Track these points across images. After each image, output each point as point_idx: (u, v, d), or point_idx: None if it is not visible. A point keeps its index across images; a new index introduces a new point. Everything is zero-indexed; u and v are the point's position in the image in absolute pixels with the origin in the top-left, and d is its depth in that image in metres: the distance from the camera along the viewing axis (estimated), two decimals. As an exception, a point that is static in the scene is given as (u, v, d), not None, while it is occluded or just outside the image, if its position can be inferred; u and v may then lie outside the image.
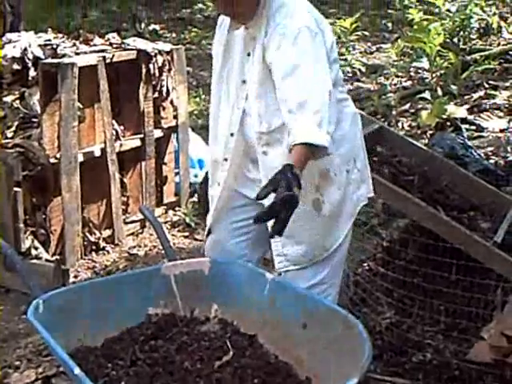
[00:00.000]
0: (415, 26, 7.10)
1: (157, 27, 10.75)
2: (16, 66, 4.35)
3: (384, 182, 3.04)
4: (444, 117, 5.72)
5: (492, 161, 4.84)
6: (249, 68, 2.34)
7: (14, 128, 4.14)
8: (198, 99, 7.12)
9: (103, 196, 4.34)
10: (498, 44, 7.82)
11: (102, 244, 4.29)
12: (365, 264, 3.51)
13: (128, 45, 4.50)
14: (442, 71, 6.89)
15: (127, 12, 11.43)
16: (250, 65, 2.33)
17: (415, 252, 3.13)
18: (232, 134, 2.42)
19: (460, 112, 5.91)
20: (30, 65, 4.32)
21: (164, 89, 4.67)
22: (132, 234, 4.51)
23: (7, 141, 3.97)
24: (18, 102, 4.30)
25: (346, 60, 7.93)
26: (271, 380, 1.95)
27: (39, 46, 4.39)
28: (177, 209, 4.84)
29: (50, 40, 4.47)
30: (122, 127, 4.47)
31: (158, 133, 4.68)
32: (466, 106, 6.24)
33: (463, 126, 5.64)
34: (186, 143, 4.89)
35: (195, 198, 4.90)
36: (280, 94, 2.20)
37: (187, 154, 4.91)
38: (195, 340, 2.11)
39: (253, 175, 2.44)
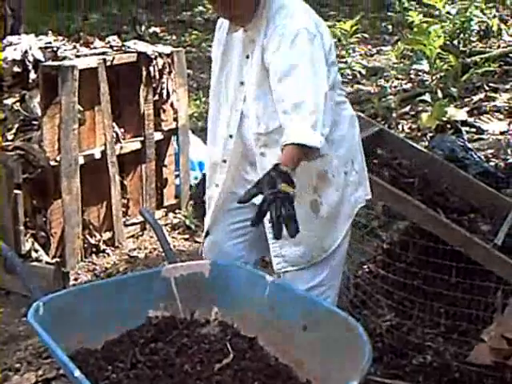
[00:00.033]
0: (415, 29, 7.11)
1: (157, 30, 10.76)
2: (16, 69, 4.35)
3: (384, 184, 3.04)
4: (444, 119, 5.72)
5: (492, 163, 4.84)
6: (247, 70, 2.35)
7: (14, 130, 4.14)
8: (198, 102, 7.13)
9: (103, 198, 4.34)
10: (498, 46, 7.84)
11: (103, 246, 4.29)
12: (365, 266, 3.51)
13: (128, 47, 4.51)
14: (442, 73, 6.90)
15: (127, 15, 11.45)
16: (249, 67, 2.34)
17: (415, 254, 3.13)
18: (231, 136, 2.43)
19: (460, 114, 5.91)
20: (30, 67, 4.32)
21: (164, 91, 4.67)
22: (132, 236, 4.51)
23: (7, 143, 3.97)
24: (18, 104, 4.31)
25: (346, 62, 7.94)
26: (271, 382, 1.96)
27: (40, 48, 4.40)
28: (177, 211, 4.84)
29: (50, 43, 4.48)
30: (122, 130, 4.48)
31: (158, 135, 4.68)
32: (466, 109, 6.25)
33: (463, 129, 5.65)
34: (187, 146, 4.89)
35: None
36: (276, 95, 2.22)
37: (187, 156, 4.91)
38: (195, 342, 2.11)
39: (250, 177, 2.44)
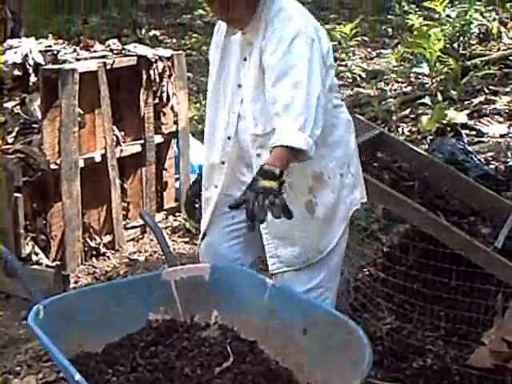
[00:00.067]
0: (415, 32, 7.11)
1: (157, 33, 10.77)
2: (17, 72, 4.35)
3: (384, 187, 3.04)
4: (444, 122, 5.72)
5: (492, 166, 4.83)
6: (245, 73, 2.37)
7: (14, 134, 4.14)
8: (198, 105, 7.13)
9: (103, 202, 4.34)
10: (498, 49, 7.84)
11: (103, 250, 4.29)
12: (365, 269, 3.51)
13: (128, 51, 4.51)
14: (442, 76, 6.90)
15: (127, 18, 11.46)
16: (246, 69, 2.36)
17: (415, 257, 3.13)
18: (229, 138, 2.44)
19: (460, 117, 5.91)
20: (30, 71, 4.33)
21: (164, 95, 4.68)
22: (132, 239, 4.51)
23: (8, 146, 3.97)
24: (18, 107, 4.31)
25: (346, 66, 7.95)
26: (272, 386, 1.96)
27: (40, 51, 4.40)
28: (177, 214, 4.84)
29: (50, 46, 4.49)
30: (122, 133, 4.48)
31: (158, 138, 4.68)
32: (466, 112, 6.24)
33: (463, 132, 5.64)
34: (187, 149, 4.90)
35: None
36: (270, 97, 2.24)
37: (188, 159, 4.91)
38: (195, 346, 2.11)
39: (246, 179, 2.44)
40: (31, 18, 8.64)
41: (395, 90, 7.30)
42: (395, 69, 7.85)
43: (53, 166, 3.95)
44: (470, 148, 4.57)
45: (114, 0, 12.41)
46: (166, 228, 4.64)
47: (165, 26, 11.51)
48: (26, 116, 4.24)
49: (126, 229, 4.49)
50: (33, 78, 4.32)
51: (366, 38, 9.15)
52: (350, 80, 7.77)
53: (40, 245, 3.94)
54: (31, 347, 3.30)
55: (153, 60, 4.52)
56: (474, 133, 5.83)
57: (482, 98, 6.58)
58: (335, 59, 8.02)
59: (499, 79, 7.08)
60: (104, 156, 4.23)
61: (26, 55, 4.35)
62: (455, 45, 7.69)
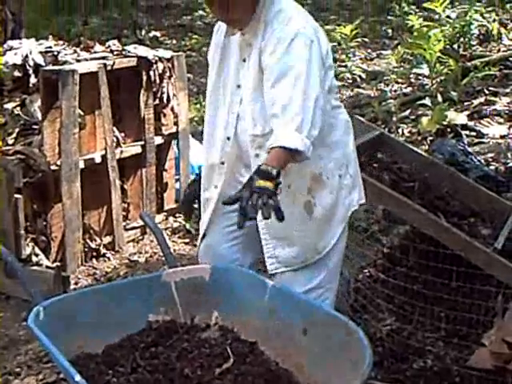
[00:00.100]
0: (415, 33, 7.11)
1: (157, 34, 10.78)
2: (17, 73, 4.35)
3: (385, 188, 3.04)
4: (444, 123, 5.72)
5: (492, 167, 4.84)
6: (244, 74, 2.37)
7: (14, 135, 4.14)
8: (198, 106, 7.13)
9: (104, 203, 4.34)
10: (498, 50, 7.84)
11: (103, 251, 4.29)
12: (365, 270, 3.51)
13: (129, 52, 4.51)
14: (442, 77, 6.90)
15: (128, 19, 11.47)
16: (245, 70, 2.36)
17: (416, 258, 3.13)
18: (228, 138, 2.45)
19: (460, 118, 5.91)
20: (30, 72, 4.33)
21: (165, 96, 4.68)
22: (132, 240, 4.51)
23: (8, 148, 3.97)
24: (18, 108, 4.31)
25: (346, 66, 7.95)
26: (272, 387, 1.96)
27: (40, 52, 4.40)
28: (177, 215, 4.83)
29: (50, 47, 4.49)
30: (122, 134, 4.48)
31: (158, 139, 4.68)
32: (467, 113, 6.24)
33: (463, 133, 5.65)
34: (187, 150, 4.90)
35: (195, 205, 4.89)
36: (269, 98, 2.24)
37: (188, 160, 4.91)
38: (196, 347, 2.11)
39: (245, 179, 2.44)
40: (31, 19, 8.65)
41: (395, 90, 7.30)
42: (395, 70, 7.86)
43: (53, 167, 3.95)
44: (470, 149, 4.58)
45: (115, 1, 12.42)
46: (166, 229, 4.63)
47: (165, 27, 11.52)
48: (26, 117, 4.24)
49: (126, 230, 4.49)
50: (33, 79, 4.32)
51: (366, 39, 9.15)
52: (350, 81, 7.78)
53: (40, 246, 3.94)
54: (31, 348, 3.30)
55: (153, 61, 4.52)
56: (474, 134, 5.84)
57: (482, 99, 6.58)
58: (335, 60, 8.04)
59: (499, 80, 7.08)
60: (104, 157, 4.23)
61: (27, 56, 4.35)
62: (455, 46, 7.69)
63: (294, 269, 2.44)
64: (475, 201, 3.34)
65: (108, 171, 4.25)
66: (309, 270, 2.45)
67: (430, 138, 5.69)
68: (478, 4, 8.43)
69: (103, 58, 4.35)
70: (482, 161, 4.57)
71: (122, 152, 4.41)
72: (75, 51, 4.42)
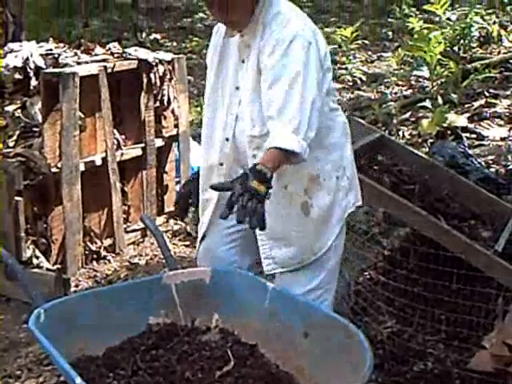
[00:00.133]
0: (415, 35, 7.12)
1: (158, 36, 10.79)
2: (17, 76, 4.35)
3: (385, 190, 3.04)
4: (444, 125, 5.73)
5: (493, 169, 4.84)
6: (242, 75, 2.38)
7: (15, 137, 4.15)
8: (198, 108, 7.13)
9: (104, 205, 4.34)
10: (499, 52, 7.85)
11: (103, 253, 4.29)
12: (366, 273, 3.51)
13: (129, 54, 4.51)
14: (443, 80, 6.91)
15: (128, 21, 11.49)
16: (244, 72, 2.37)
17: (416, 261, 3.13)
18: (227, 139, 2.45)
19: (460, 120, 5.92)
20: (31, 74, 4.33)
21: (165, 98, 4.68)
22: (133, 243, 4.51)
23: (8, 150, 3.97)
24: (19, 111, 4.31)
25: (346, 69, 7.96)
26: (272, 390, 1.96)
27: (41, 55, 4.40)
28: (178, 218, 4.83)
29: (51, 49, 4.49)
30: (123, 136, 4.48)
31: (159, 142, 4.68)
32: (467, 115, 6.25)
33: (464, 135, 5.65)
34: (187, 152, 4.90)
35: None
36: (266, 100, 2.25)
37: (188, 162, 4.91)
38: (196, 350, 2.11)
39: None
40: (32, 21, 8.67)
41: (396, 93, 7.31)
42: (396, 72, 7.87)
43: (53, 170, 3.95)
44: (470, 151, 4.58)
45: (115, 3, 12.43)
46: (166, 231, 4.63)
47: (165, 30, 11.54)
48: (26, 120, 4.24)
49: (127, 232, 4.49)
50: (34, 82, 4.32)
51: (366, 42, 9.17)
52: (351, 83, 7.79)
53: (41, 248, 3.94)
54: (32, 351, 3.30)
55: (153, 63, 4.52)
56: (474, 136, 5.84)
57: (482, 102, 6.59)
58: (336, 62, 8.06)
59: (499, 82, 7.09)
60: (105, 159, 4.24)
61: (27, 59, 4.35)
62: (455, 48, 7.70)
63: (293, 269, 2.44)
64: (475, 203, 3.34)
65: (108, 173, 4.25)
66: (309, 271, 2.45)
67: (431, 140, 5.69)
68: (478, 6, 8.45)
69: (104, 60, 4.35)
70: (483, 163, 4.58)
71: (122, 154, 4.41)
72: (76, 54, 4.42)
